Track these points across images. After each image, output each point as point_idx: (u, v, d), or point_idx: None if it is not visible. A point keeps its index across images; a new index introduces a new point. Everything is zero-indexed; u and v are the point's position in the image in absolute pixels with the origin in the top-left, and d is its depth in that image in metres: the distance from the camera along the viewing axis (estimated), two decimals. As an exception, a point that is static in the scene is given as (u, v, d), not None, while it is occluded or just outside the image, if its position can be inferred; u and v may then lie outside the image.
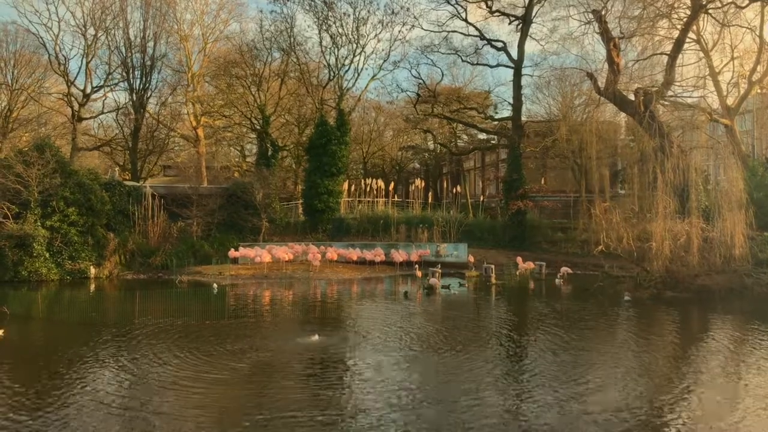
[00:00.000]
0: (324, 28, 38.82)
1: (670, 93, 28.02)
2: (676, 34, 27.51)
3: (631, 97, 25.86)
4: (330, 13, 38.50)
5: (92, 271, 27.16)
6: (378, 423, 8.83)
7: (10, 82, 40.54)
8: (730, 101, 33.59)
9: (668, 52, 26.86)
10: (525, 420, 9.06)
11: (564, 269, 27.00)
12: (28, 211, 26.07)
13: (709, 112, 29.12)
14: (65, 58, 42.95)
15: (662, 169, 22.73)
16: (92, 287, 25.05)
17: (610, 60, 25.81)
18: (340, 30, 38.73)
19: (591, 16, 27.67)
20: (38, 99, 43.32)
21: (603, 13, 26.68)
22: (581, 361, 12.71)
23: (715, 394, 10.40)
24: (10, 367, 12.15)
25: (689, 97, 30.41)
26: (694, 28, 29.26)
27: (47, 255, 26.02)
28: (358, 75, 43.11)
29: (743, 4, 28.71)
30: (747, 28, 31.40)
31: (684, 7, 28.37)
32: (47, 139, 32.23)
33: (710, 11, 28.62)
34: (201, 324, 16.22)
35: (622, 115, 31.93)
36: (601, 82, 26.93)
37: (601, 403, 9.69)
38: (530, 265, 27.94)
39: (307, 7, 39.14)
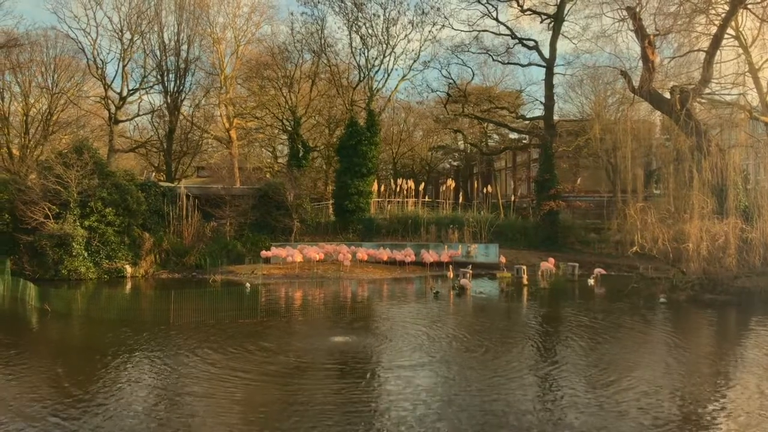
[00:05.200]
0: (354, 29, 39.06)
1: (707, 90, 27.29)
2: (713, 30, 26.79)
3: (667, 95, 25.35)
4: (360, 15, 38.71)
5: (128, 270, 27.79)
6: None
7: (50, 86, 41.69)
8: (770, 98, 32.60)
9: (705, 49, 26.18)
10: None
11: (597, 270, 26.61)
12: (67, 211, 26.82)
13: (749, 110, 28.22)
14: (103, 62, 44.03)
15: (699, 168, 22.25)
16: (129, 286, 25.64)
17: (645, 57, 25.33)
18: (370, 31, 38.90)
19: (625, 13, 27.12)
20: (77, 102, 44.43)
21: (637, 9, 26.16)
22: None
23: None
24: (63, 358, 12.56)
25: (728, 94, 29.47)
26: (733, 23, 28.45)
27: (86, 254, 26.74)
28: (388, 75, 43.15)
29: (784, -1, 27.84)
30: (788, 23, 30.42)
31: (722, 2, 27.65)
32: (86, 141, 33.01)
33: (749, 6, 27.83)
34: (234, 322, 16.49)
35: (657, 113, 31.31)
36: (636, 80, 26.45)
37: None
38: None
39: (337, 9, 39.45)
